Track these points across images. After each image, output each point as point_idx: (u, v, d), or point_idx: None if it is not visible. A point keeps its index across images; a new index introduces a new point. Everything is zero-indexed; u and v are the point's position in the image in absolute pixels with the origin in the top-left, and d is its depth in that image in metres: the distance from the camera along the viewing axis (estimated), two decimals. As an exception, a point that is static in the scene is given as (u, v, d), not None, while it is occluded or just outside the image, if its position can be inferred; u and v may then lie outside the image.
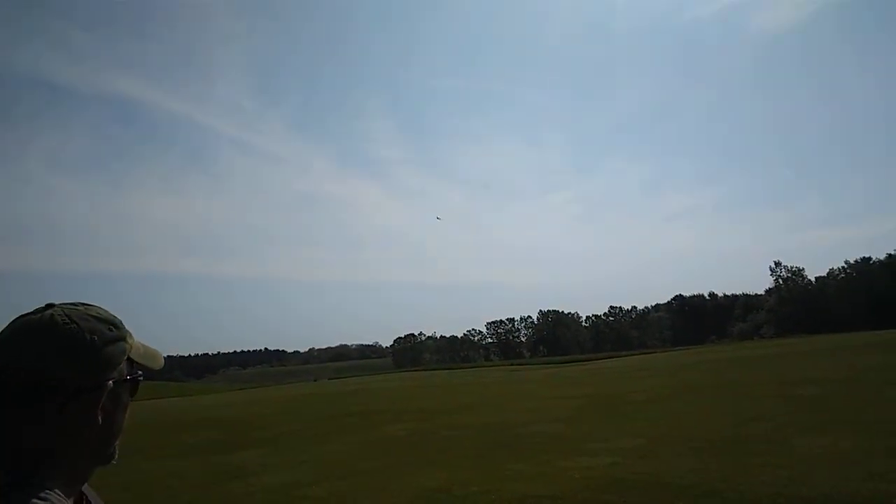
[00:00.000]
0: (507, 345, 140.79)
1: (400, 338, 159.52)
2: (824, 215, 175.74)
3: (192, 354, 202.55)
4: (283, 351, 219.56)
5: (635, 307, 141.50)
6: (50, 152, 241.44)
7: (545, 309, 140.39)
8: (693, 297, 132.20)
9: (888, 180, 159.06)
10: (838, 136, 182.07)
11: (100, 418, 1.00)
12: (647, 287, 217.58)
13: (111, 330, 1.04)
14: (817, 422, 10.00)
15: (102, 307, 1.09)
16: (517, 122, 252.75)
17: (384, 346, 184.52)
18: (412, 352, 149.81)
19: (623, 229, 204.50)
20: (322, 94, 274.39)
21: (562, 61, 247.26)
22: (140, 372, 1.09)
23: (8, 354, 0.96)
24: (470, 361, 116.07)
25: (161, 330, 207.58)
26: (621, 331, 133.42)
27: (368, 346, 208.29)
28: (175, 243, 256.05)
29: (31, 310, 1.03)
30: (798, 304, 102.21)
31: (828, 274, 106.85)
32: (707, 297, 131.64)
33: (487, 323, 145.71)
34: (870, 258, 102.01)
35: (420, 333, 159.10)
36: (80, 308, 1.05)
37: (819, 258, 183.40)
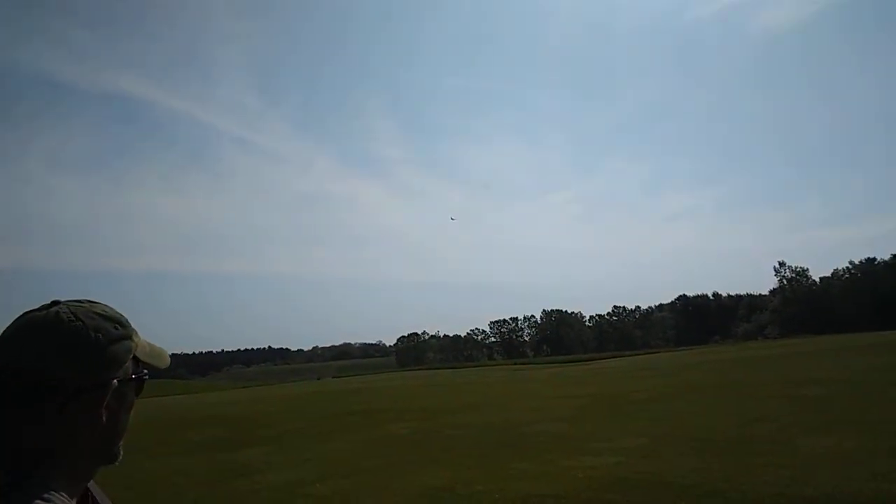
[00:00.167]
0: (510, 344, 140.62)
1: (403, 336, 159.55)
2: (825, 215, 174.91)
3: (197, 352, 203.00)
4: (286, 349, 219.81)
5: (639, 307, 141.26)
6: (51, 151, 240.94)
7: (548, 308, 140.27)
8: (697, 297, 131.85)
9: (889, 180, 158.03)
10: (839, 135, 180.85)
11: (104, 417, 0.99)
12: (650, 287, 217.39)
13: (117, 328, 1.03)
14: (821, 422, 9.98)
15: (108, 305, 1.07)
16: (518, 121, 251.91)
17: (387, 344, 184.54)
18: (415, 351, 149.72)
19: (624, 229, 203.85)
20: (323, 93, 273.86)
21: (562, 61, 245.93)
22: (145, 371, 1.08)
23: (8, 354, 0.95)
24: (473, 360, 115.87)
25: (165, 328, 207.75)
26: (625, 330, 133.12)
27: (372, 344, 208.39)
28: (177, 241, 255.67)
29: (37, 307, 1.02)
30: (802, 304, 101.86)
31: (832, 274, 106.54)
32: (711, 298, 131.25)
33: (491, 322, 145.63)
34: (874, 258, 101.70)
35: (423, 332, 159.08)
36: (86, 305, 1.03)
37: (821, 258, 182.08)
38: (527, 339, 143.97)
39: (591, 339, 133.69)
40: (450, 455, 10.22)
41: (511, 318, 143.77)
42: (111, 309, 1.07)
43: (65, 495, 0.93)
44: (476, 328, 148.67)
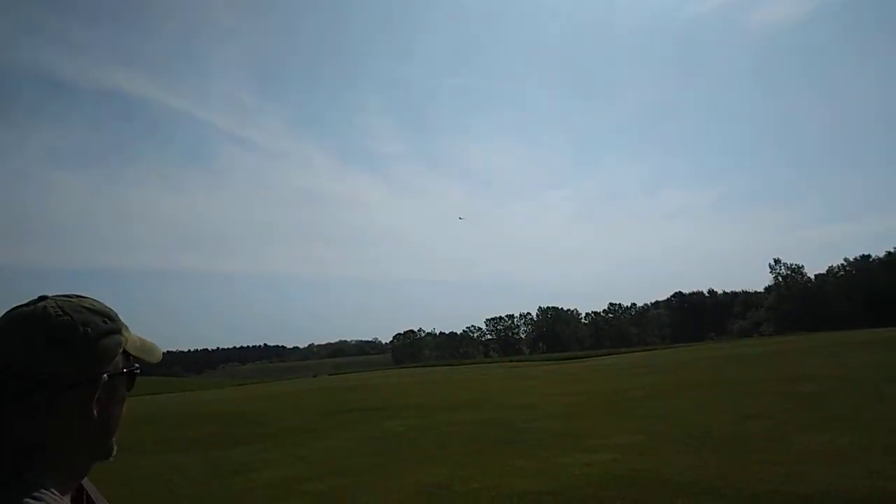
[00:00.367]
0: (506, 341, 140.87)
1: (399, 334, 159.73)
2: (823, 213, 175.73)
3: (192, 350, 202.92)
4: (282, 347, 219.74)
5: (635, 304, 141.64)
6: (49, 147, 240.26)
7: (545, 306, 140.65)
8: (692, 294, 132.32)
9: (887, 179, 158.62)
10: (838, 134, 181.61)
11: (95, 412, 0.98)
12: (646, 284, 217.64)
13: (106, 322, 1.01)
14: (816, 419, 10.02)
15: (97, 299, 1.06)
16: (516, 119, 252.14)
17: (384, 342, 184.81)
18: (412, 348, 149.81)
19: (622, 227, 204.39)
20: (322, 89, 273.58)
21: (562, 60, 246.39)
22: (137, 365, 1.07)
23: None
24: (469, 358, 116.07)
25: (161, 325, 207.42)
26: (621, 328, 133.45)
27: (368, 342, 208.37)
28: (174, 239, 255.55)
29: (25, 302, 1.00)
30: (797, 301, 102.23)
31: (827, 272, 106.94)
32: (706, 295, 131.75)
33: (487, 319, 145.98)
34: (869, 256, 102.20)
35: (419, 330, 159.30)
36: (74, 300, 1.02)
37: (818, 256, 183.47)
38: (523, 336, 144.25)
39: (587, 337, 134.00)
40: (446, 452, 10.22)
41: (507, 316, 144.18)
42: (99, 303, 1.05)
43: (56, 493, 0.92)
44: (472, 325, 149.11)
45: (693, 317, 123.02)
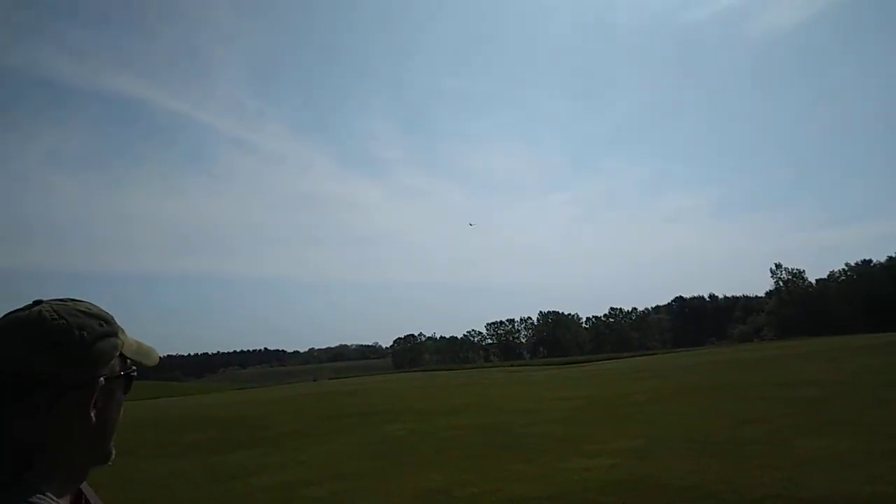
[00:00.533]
0: (507, 346, 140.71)
1: (400, 338, 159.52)
2: (824, 217, 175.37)
3: (192, 354, 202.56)
4: (282, 351, 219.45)
5: (635, 308, 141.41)
6: (49, 150, 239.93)
7: (545, 310, 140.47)
8: (693, 298, 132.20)
9: (888, 182, 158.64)
10: (838, 137, 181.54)
11: (92, 415, 0.98)
12: (647, 288, 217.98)
13: (101, 325, 1.02)
14: (816, 424, 9.99)
15: (93, 303, 1.06)
16: (517, 122, 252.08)
17: (384, 346, 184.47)
18: (412, 352, 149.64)
19: (623, 230, 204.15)
20: (323, 93, 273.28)
21: (562, 62, 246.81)
22: (133, 368, 1.07)
23: None
24: (470, 362, 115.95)
25: (161, 329, 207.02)
26: (621, 332, 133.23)
27: (368, 346, 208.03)
28: (175, 242, 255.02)
29: (20, 307, 1.01)
30: (798, 306, 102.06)
31: (828, 276, 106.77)
32: (707, 299, 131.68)
33: (487, 324, 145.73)
34: (870, 261, 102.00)
35: (420, 334, 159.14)
36: (69, 303, 1.02)
37: (819, 260, 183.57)
38: (523, 340, 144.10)
39: (587, 341, 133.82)
40: (445, 457, 10.21)
41: (508, 320, 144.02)
42: (95, 307, 1.06)
43: (55, 497, 0.92)
44: (472, 330, 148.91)
45: (694, 321, 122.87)
